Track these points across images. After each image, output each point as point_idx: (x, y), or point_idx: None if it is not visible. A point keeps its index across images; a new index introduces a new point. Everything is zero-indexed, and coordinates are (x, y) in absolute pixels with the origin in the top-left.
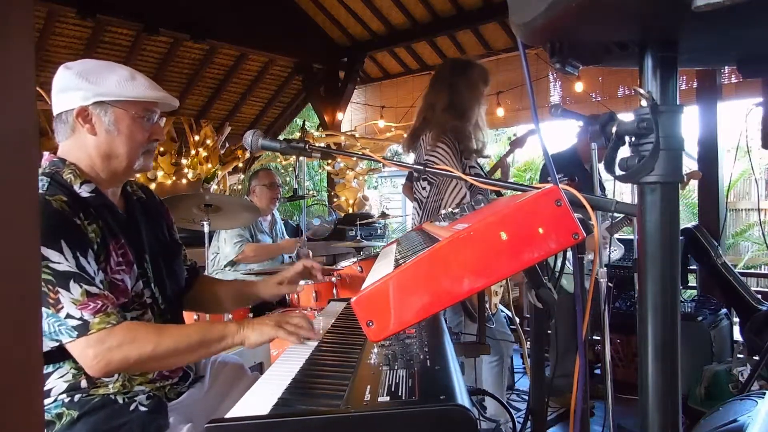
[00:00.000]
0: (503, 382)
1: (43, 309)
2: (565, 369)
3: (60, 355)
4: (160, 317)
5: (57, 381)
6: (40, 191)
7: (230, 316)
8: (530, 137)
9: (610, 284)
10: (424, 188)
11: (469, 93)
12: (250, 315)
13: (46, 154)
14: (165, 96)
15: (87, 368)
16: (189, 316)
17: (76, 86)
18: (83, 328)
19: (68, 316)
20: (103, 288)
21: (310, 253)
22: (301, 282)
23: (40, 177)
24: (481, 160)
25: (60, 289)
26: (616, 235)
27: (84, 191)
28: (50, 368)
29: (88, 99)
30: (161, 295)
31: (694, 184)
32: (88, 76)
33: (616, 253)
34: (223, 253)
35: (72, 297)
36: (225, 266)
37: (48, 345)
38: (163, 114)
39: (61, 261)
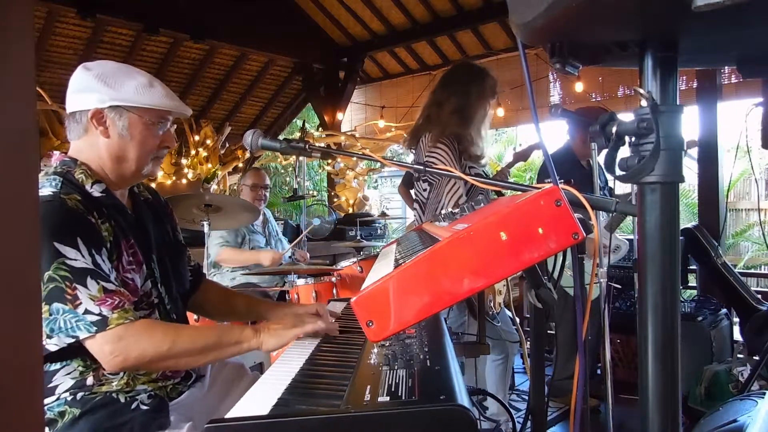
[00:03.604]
0: (506, 381)
1: (60, 305)
2: (568, 372)
3: (70, 352)
4: (166, 317)
5: (63, 378)
6: (55, 190)
7: None
8: (534, 151)
9: (614, 285)
10: (424, 189)
11: (478, 102)
12: None
13: (56, 153)
14: (180, 105)
15: (103, 363)
16: (189, 318)
17: (95, 88)
18: (102, 324)
19: (86, 311)
20: (118, 285)
21: (308, 255)
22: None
23: (53, 176)
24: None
25: (78, 286)
26: (618, 233)
27: (96, 191)
28: (57, 365)
29: (105, 102)
30: (167, 294)
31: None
32: (107, 79)
33: (620, 251)
34: (212, 254)
35: (90, 293)
36: (210, 268)
37: (64, 341)
38: None
39: (77, 258)
